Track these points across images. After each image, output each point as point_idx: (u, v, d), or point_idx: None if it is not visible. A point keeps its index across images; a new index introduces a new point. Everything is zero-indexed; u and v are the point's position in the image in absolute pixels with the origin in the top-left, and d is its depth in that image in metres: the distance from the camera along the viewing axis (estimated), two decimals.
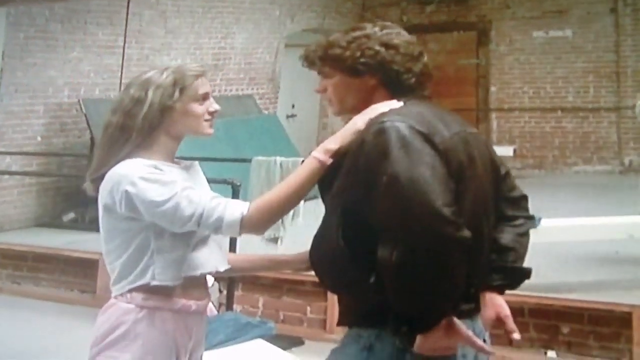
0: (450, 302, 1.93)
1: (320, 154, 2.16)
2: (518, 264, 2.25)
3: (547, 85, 11.73)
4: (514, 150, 11.18)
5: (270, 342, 4.41)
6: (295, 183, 2.19)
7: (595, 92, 11.45)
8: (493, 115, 12.11)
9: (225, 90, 10.25)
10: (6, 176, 7.72)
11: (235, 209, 2.14)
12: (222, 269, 2.36)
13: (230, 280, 5.30)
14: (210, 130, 2.38)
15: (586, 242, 5.81)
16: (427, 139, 1.95)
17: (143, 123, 2.25)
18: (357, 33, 2.17)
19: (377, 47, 2.13)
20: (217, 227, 2.16)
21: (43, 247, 6.73)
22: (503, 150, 11.10)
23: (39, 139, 8.05)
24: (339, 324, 2.18)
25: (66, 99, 8.21)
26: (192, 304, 2.32)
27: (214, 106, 2.39)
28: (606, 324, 4.79)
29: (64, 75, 8.18)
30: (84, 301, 6.17)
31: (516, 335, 2.20)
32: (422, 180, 1.86)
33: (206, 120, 2.36)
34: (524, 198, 2.36)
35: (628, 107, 6.70)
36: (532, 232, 5.38)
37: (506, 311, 2.21)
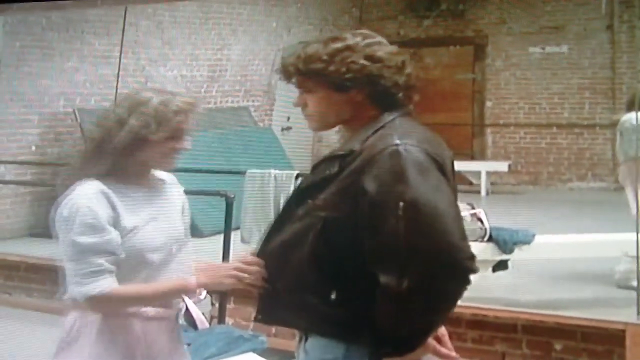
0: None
1: (194, 280, 2.26)
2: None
3: (542, 101, 11.74)
4: (509, 166, 11.17)
5: (262, 356, 4.40)
6: (153, 292, 2.31)
7: (590, 108, 11.46)
8: (488, 130, 12.11)
9: (221, 101, 10.25)
10: (0, 185, 7.69)
11: (96, 287, 2.24)
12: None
13: (222, 293, 5.27)
14: (172, 165, 2.41)
15: (580, 259, 5.81)
16: (438, 164, 1.92)
17: (117, 145, 2.27)
18: (339, 45, 2.07)
19: (363, 61, 2.03)
20: (81, 298, 2.27)
21: (35, 257, 6.68)
22: (498, 166, 11.12)
23: (33, 148, 8.03)
24: (279, 323, 2.22)
25: (61, 108, 8.20)
26: (150, 310, 2.34)
27: (185, 145, 2.36)
28: (599, 341, 4.77)
29: (60, 85, 8.17)
30: None
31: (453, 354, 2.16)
32: (442, 211, 1.84)
33: (170, 157, 2.36)
34: (475, 216, 2.36)
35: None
36: (526, 248, 5.41)
37: (442, 329, 2.16)
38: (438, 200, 1.85)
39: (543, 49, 11.73)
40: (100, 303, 2.26)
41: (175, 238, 2.39)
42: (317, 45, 2.10)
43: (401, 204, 1.83)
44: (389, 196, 1.86)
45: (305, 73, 2.09)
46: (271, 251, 2.12)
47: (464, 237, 1.86)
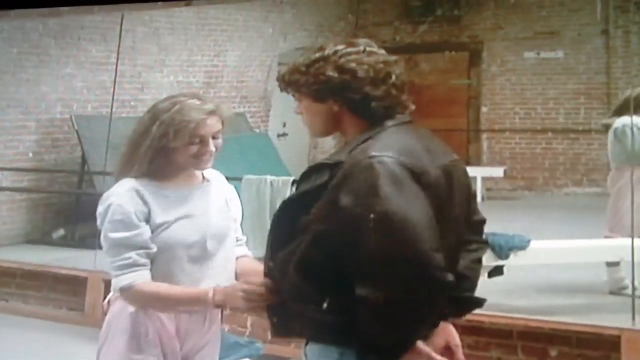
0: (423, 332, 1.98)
1: (211, 295, 2.35)
2: (470, 293, 2.21)
3: (538, 106, 11.77)
4: (505, 171, 11.19)
5: None
6: (175, 295, 2.43)
7: (585, 113, 11.48)
8: (484, 136, 12.14)
9: None
10: None
11: (125, 279, 2.40)
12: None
13: None
14: (203, 166, 2.53)
15: (575, 265, 5.82)
16: (416, 176, 1.92)
17: (144, 155, 2.43)
18: (317, 55, 2.09)
19: (330, 73, 2.05)
20: (114, 288, 2.47)
21: (32, 264, 6.69)
22: (493, 171, 11.13)
23: (30, 154, 8.04)
24: (289, 334, 2.19)
25: (58, 115, 8.21)
26: None
27: (207, 148, 2.46)
28: (595, 347, 4.78)
29: (57, 91, 8.19)
30: (72, 319, 6.14)
31: None
32: (414, 223, 1.85)
33: (195, 158, 2.46)
34: (483, 222, 2.32)
35: (605, 126, 6.73)
36: (521, 254, 5.41)
37: (456, 340, 2.20)
38: (409, 212, 1.86)
39: (538, 54, 11.76)
40: (130, 295, 2.42)
41: (211, 235, 2.50)
42: (304, 56, 2.14)
43: (372, 216, 1.85)
44: (361, 209, 1.87)
45: (288, 84, 2.15)
46: (275, 266, 2.15)
47: (436, 249, 1.86)
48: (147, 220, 2.43)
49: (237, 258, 2.66)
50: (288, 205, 2.16)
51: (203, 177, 2.62)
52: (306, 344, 2.14)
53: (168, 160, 2.46)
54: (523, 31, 11.83)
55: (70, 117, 8.05)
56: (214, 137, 2.47)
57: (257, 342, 5.00)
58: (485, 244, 2.32)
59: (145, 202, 2.43)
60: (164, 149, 2.41)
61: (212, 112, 2.46)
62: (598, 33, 11.36)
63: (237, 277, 2.61)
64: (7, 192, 7.86)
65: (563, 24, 11.60)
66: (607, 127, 6.12)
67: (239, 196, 6.04)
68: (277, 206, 5.65)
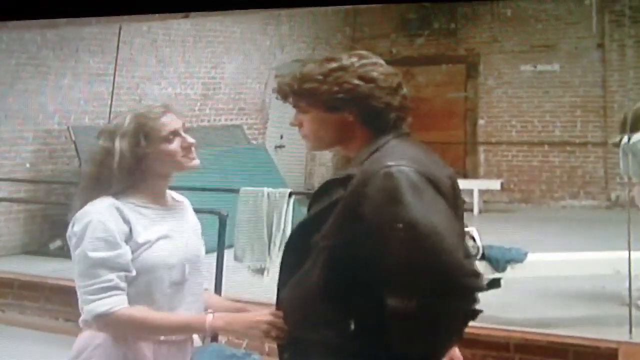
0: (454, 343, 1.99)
1: (211, 321, 2.21)
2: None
3: (534, 119, 11.78)
4: (502, 184, 11.19)
5: None
6: (168, 322, 2.27)
7: (582, 126, 11.50)
8: (481, 148, 12.14)
9: (214, 120, 10.27)
10: None
11: (104, 304, 2.21)
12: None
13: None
14: (193, 163, 2.40)
15: (572, 277, 5.82)
16: (434, 184, 1.90)
17: (119, 172, 2.28)
18: (333, 65, 2.06)
19: (355, 81, 2.02)
20: (89, 316, 2.25)
21: (29, 275, 6.67)
22: (490, 184, 11.13)
23: (27, 165, 8.03)
24: None
25: (56, 126, 8.21)
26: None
27: (188, 140, 2.37)
28: None
29: (54, 102, 8.19)
30: (68, 330, 6.11)
31: None
32: (441, 230, 1.83)
33: (183, 156, 2.36)
34: (467, 235, 2.32)
35: (615, 145, 6.75)
36: (518, 266, 5.40)
37: (457, 354, 2.19)
38: (435, 220, 1.84)
39: (535, 67, 11.78)
40: (108, 323, 2.23)
41: (188, 258, 2.38)
42: (313, 65, 2.10)
43: (399, 225, 1.82)
44: (385, 218, 1.84)
45: (299, 93, 2.09)
46: (290, 294, 2.09)
47: (465, 255, 1.88)
48: (127, 240, 2.26)
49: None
50: (301, 229, 2.11)
51: (174, 199, 2.49)
52: None
53: (146, 174, 2.32)
54: (519, 44, 11.85)
55: (68, 129, 8.05)
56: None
57: (254, 354, 4.99)
58: (470, 257, 2.30)
59: (126, 221, 2.27)
60: (137, 161, 2.29)
61: (165, 107, 2.36)
62: (594, 46, 11.39)
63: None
64: (4, 203, 7.85)
65: (559, 38, 11.63)
66: (617, 144, 6.14)
67: (236, 208, 6.05)
68: (274, 218, 5.58)
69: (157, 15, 6.80)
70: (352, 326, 1.92)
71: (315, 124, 2.10)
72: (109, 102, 7.89)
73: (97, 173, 2.31)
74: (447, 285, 1.81)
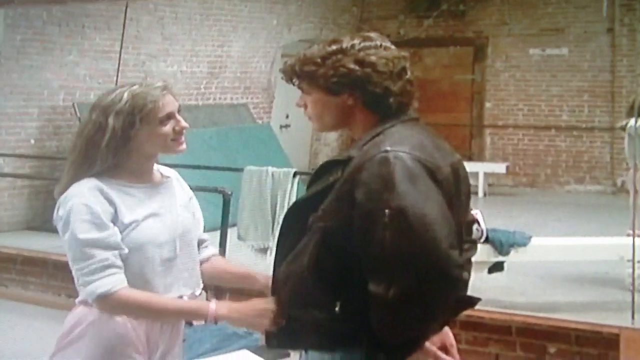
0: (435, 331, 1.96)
1: (214, 308, 2.19)
2: (464, 292, 2.13)
3: (541, 103, 11.76)
4: (507, 167, 11.18)
5: (256, 353, 4.38)
6: (171, 307, 2.27)
7: (589, 111, 11.48)
8: (487, 131, 12.13)
9: (220, 98, 10.26)
10: None
11: (104, 284, 2.17)
12: (186, 295, 2.35)
13: (217, 290, 5.27)
14: (180, 148, 2.35)
15: (576, 262, 5.82)
16: (430, 172, 1.89)
17: (107, 150, 2.24)
18: (333, 47, 2.04)
19: (352, 65, 2.00)
20: (90, 298, 2.19)
21: (32, 251, 6.69)
22: (496, 167, 11.14)
23: (32, 141, 8.04)
24: (291, 347, 2.14)
25: (61, 102, 8.21)
26: None
27: (180, 124, 2.32)
28: (593, 345, 4.78)
29: (60, 79, 8.18)
30: (71, 306, 6.12)
31: None
32: (431, 219, 1.82)
33: (173, 140, 2.31)
34: (473, 223, 2.28)
35: (622, 128, 6.73)
36: (522, 250, 5.39)
37: (451, 340, 2.16)
38: (426, 208, 1.83)
39: (543, 50, 11.74)
40: (111, 303, 2.19)
41: (178, 234, 2.35)
42: (316, 48, 2.08)
43: (387, 211, 1.81)
44: (376, 203, 1.84)
45: (300, 75, 2.08)
46: (284, 271, 2.08)
47: (453, 246, 1.85)
48: (114, 221, 2.22)
49: (208, 258, 2.52)
50: (299, 207, 2.12)
51: (162, 174, 2.44)
52: (305, 352, 2.09)
53: (133, 153, 2.27)
54: (528, 27, 11.82)
55: (73, 105, 8.05)
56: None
57: (256, 333, 5.01)
58: (474, 243, 2.29)
59: (110, 202, 2.22)
60: (127, 141, 2.24)
61: (165, 89, 2.30)
62: (603, 31, 11.35)
63: (209, 277, 2.49)
64: (9, 178, 7.86)
65: (569, 21, 11.58)
66: (624, 128, 6.13)
67: (241, 187, 6.04)
68: (278, 197, 5.57)
69: None
70: (338, 308, 1.92)
71: (317, 106, 2.09)
72: (115, 79, 7.87)
73: (86, 148, 2.26)
74: (432, 275, 1.81)
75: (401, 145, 1.91)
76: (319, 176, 2.04)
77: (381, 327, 1.86)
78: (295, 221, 2.06)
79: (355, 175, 1.90)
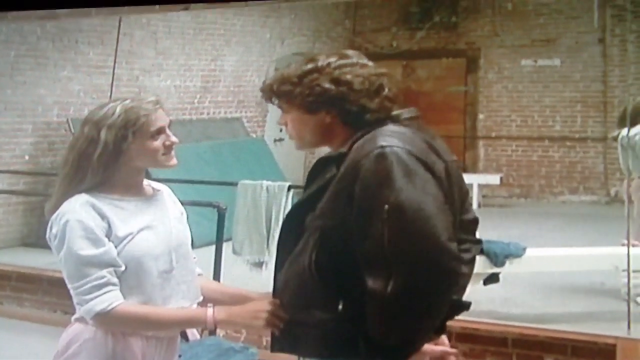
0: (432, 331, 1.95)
1: (212, 314, 2.20)
2: (459, 295, 2.12)
3: (534, 113, 11.78)
4: (501, 179, 11.19)
5: None
6: (169, 317, 2.27)
7: (582, 121, 11.50)
8: (480, 143, 12.15)
9: (214, 112, 10.26)
10: None
11: (102, 301, 2.18)
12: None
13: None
14: (170, 163, 2.36)
15: (571, 273, 5.83)
16: (428, 166, 1.90)
17: (98, 163, 2.24)
18: (309, 66, 2.05)
19: (327, 85, 2.00)
20: (88, 316, 2.21)
21: (27, 267, 6.66)
22: (490, 179, 11.15)
23: (26, 157, 8.03)
24: (291, 352, 2.11)
25: (55, 118, 8.20)
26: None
27: (171, 139, 2.33)
28: (590, 355, 4.78)
29: (54, 94, 8.18)
30: (66, 323, 6.10)
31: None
32: (428, 212, 1.83)
33: (163, 154, 2.32)
34: (476, 222, 2.24)
35: (614, 139, 6.76)
36: (517, 261, 5.40)
37: (444, 340, 2.17)
38: (424, 202, 1.83)
39: (535, 61, 11.77)
40: (109, 320, 2.20)
41: (173, 246, 2.35)
42: (294, 66, 2.09)
43: (386, 206, 1.82)
44: (374, 199, 1.84)
45: (278, 94, 2.10)
46: (283, 275, 2.09)
47: (451, 239, 1.85)
48: (109, 235, 2.22)
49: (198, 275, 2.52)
50: (297, 210, 2.12)
51: (153, 188, 2.45)
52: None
53: (122, 167, 2.28)
54: (520, 38, 11.85)
55: (67, 121, 8.05)
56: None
57: (252, 347, 4.99)
58: (478, 243, 2.28)
59: (103, 216, 2.23)
60: (118, 154, 2.25)
61: (157, 103, 2.32)
62: (595, 41, 11.38)
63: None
64: (3, 194, 7.85)
65: (560, 32, 11.62)
66: (616, 138, 6.15)
67: (235, 201, 6.04)
68: (273, 211, 5.57)
69: (157, 7, 6.79)
70: (341, 306, 1.92)
71: (297, 124, 2.11)
72: (109, 94, 7.87)
73: (78, 161, 2.27)
74: (430, 268, 1.81)
75: (394, 140, 1.91)
76: (315, 176, 2.05)
77: (378, 326, 1.86)
78: (296, 222, 2.06)
79: (352, 171, 1.91)
